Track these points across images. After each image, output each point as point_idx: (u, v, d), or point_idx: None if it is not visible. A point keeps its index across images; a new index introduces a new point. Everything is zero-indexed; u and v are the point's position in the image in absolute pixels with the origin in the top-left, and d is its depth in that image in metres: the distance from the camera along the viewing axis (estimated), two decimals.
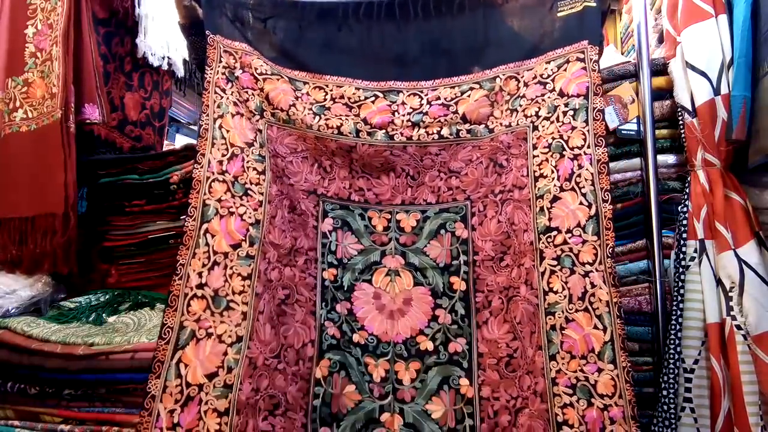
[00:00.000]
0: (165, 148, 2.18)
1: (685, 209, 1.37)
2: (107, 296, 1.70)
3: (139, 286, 1.72)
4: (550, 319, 1.24)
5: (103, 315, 1.58)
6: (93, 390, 1.38)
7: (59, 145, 1.68)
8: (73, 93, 1.73)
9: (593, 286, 1.21)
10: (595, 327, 1.19)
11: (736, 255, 1.28)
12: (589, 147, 1.27)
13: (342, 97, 1.43)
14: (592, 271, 1.21)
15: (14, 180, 1.72)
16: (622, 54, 2.28)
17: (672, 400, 1.28)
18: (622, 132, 1.47)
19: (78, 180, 1.70)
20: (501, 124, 1.37)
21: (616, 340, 1.18)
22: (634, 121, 1.46)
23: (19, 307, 1.62)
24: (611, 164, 1.49)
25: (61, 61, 1.71)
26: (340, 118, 1.40)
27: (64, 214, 1.66)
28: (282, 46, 1.48)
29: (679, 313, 1.31)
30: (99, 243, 1.80)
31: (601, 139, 1.26)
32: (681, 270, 1.33)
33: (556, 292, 1.24)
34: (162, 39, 2.07)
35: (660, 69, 1.50)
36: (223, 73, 1.38)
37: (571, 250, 1.24)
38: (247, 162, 1.34)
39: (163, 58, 2.13)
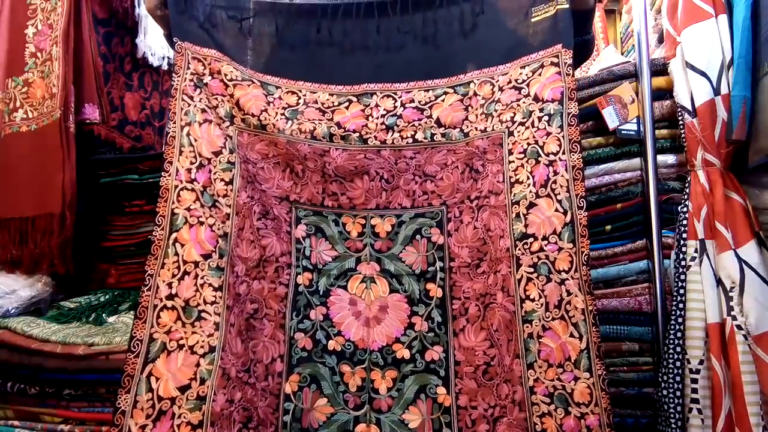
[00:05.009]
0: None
1: (685, 209, 1.37)
2: (107, 296, 1.70)
3: (139, 286, 1.71)
4: (527, 327, 1.23)
5: (103, 315, 1.58)
6: (93, 390, 1.38)
7: (58, 145, 1.68)
8: (72, 93, 1.73)
9: (569, 294, 1.19)
10: (572, 335, 1.18)
11: (737, 255, 1.28)
12: (564, 153, 1.25)
13: (315, 102, 1.41)
14: (567, 279, 1.20)
15: (15, 180, 1.73)
16: (622, 54, 2.29)
17: (672, 400, 1.28)
18: (622, 132, 1.47)
19: (78, 180, 1.70)
20: (476, 128, 1.35)
21: (591, 348, 1.16)
22: (634, 121, 1.46)
23: (19, 307, 1.62)
24: (611, 164, 1.49)
25: (61, 61, 1.71)
26: (313, 122, 1.38)
27: (60, 214, 1.66)
28: (257, 49, 1.45)
29: (678, 313, 1.31)
30: (99, 243, 1.80)
31: (576, 145, 1.24)
32: (681, 270, 1.33)
33: (532, 300, 1.23)
34: (162, 39, 2.07)
35: (660, 69, 1.50)
36: (191, 80, 1.35)
37: (547, 257, 1.22)
38: (215, 173, 1.31)
39: (163, 58, 2.13)
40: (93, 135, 1.83)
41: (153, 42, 2.08)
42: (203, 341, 1.20)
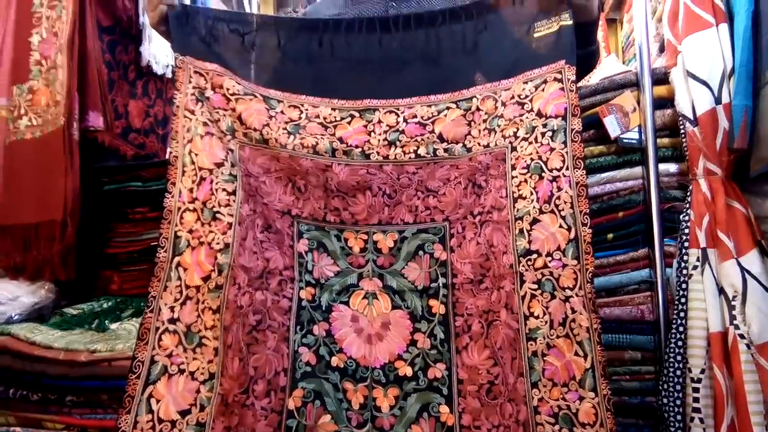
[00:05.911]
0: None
1: (686, 218, 1.37)
2: (110, 303, 1.71)
3: (142, 293, 1.71)
4: (531, 345, 1.20)
5: (106, 322, 1.59)
6: (95, 396, 1.38)
7: (62, 152, 1.69)
8: (77, 100, 1.74)
9: (574, 311, 1.17)
10: (576, 354, 1.15)
11: (739, 264, 1.28)
12: (567, 169, 1.23)
13: (317, 116, 1.40)
14: (572, 296, 1.18)
15: (19, 187, 1.73)
16: (624, 63, 2.30)
17: (672, 409, 1.28)
18: (624, 141, 1.47)
19: (82, 187, 1.71)
20: (479, 143, 1.34)
21: (596, 367, 1.14)
22: (636, 129, 1.47)
23: (22, 313, 1.63)
24: (613, 173, 1.50)
25: (66, 69, 1.72)
26: (316, 137, 1.36)
27: (61, 221, 1.66)
28: (259, 63, 1.44)
29: (679, 321, 1.31)
30: (102, 250, 1.80)
31: (579, 161, 1.23)
32: (683, 279, 1.33)
33: (537, 317, 1.20)
34: (166, 47, 2.09)
35: (661, 78, 1.50)
36: (193, 94, 1.33)
37: (551, 274, 1.20)
38: (216, 184, 1.29)
39: (167, 66, 2.15)
40: (97, 142, 1.84)
41: (157, 50, 2.09)
42: (203, 368, 1.19)
